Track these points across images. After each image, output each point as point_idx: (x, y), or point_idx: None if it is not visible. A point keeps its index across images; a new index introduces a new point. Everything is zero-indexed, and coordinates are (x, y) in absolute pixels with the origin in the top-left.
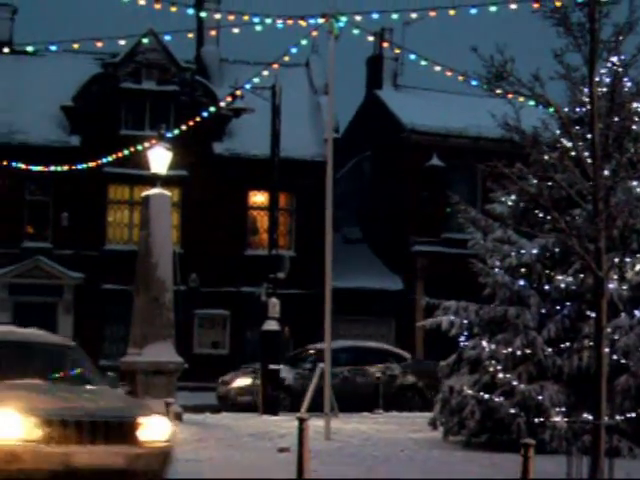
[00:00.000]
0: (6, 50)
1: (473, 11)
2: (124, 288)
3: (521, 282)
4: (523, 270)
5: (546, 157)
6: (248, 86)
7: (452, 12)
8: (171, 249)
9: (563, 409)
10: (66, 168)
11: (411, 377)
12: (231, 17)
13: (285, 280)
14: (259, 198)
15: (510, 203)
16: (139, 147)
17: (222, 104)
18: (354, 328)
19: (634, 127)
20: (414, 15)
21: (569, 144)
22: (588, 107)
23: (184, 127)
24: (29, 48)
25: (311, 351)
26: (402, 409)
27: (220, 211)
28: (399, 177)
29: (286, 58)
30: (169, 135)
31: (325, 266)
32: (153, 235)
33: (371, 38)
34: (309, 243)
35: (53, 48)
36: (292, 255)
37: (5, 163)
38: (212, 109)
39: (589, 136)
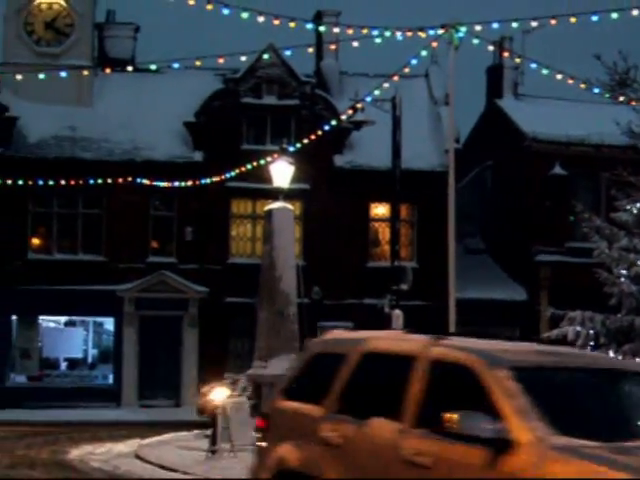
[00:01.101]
0: (129, 68)
1: (594, 18)
2: (248, 301)
3: None
4: None
5: None
6: (368, 98)
7: (573, 20)
8: (294, 262)
9: None
10: (190, 183)
11: None
12: (350, 31)
13: (408, 291)
14: (380, 210)
15: (635, 211)
16: (261, 161)
17: (343, 117)
18: None
19: None
20: (534, 23)
21: None
22: None
23: (305, 141)
24: (152, 66)
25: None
26: None
27: (342, 223)
28: (521, 186)
29: (406, 69)
30: (291, 149)
31: (448, 277)
32: (276, 249)
33: (491, 47)
34: (431, 254)
35: (176, 66)
36: (414, 266)
37: (130, 179)
38: (333, 122)
39: None
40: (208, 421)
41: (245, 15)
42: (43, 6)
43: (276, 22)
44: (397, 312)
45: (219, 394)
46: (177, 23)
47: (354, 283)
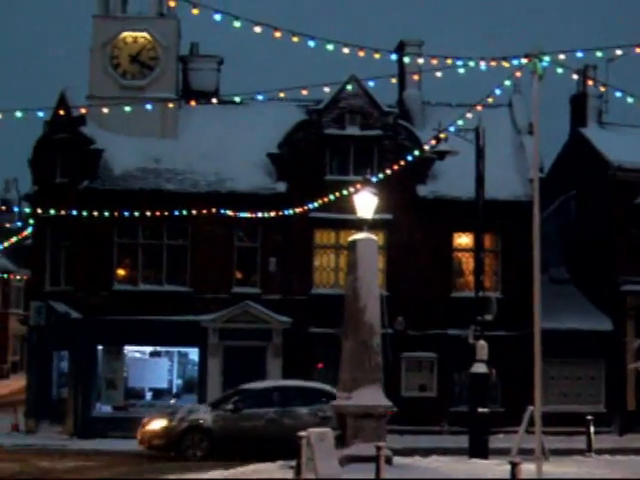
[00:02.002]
0: (214, 101)
1: None
2: (331, 331)
3: None
4: None
5: None
6: (452, 128)
7: None
8: (378, 293)
9: None
10: (273, 214)
11: None
12: (434, 61)
13: (492, 322)
14: (464, 240)
15: None
16: (344, 192)
17: (426, 147)
18: (563, 370)
19: None
20: (618, 52)
21: None
22: None
23: (388, 171)
24: (236, 98)
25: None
26: None
27: (425, 253)
28: (606, 215)
29: (489, 99)
30: (374, 179)
31: (533, 307)
32: (360, 279)
33: (575, 76)
34: (516, 284)
35: (259, 97)
36: (499, 296)
37: (214, 210)
38: (416, 152)
39: None
40: (146, 451)
41: (330, 47)
42: (128, 40)
43: (361, 53)
44: (482, 343)
45: (156, 424)
46: (261, 55)
47: (438, 313)
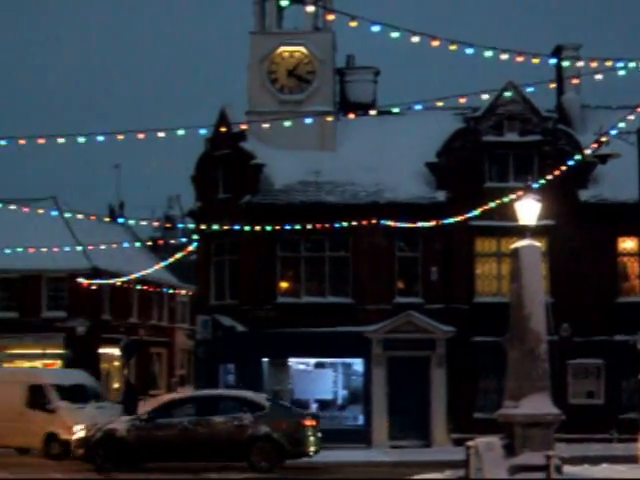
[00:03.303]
0: (372, 112)
1: None
2: (495, 340)
3: None
4: None
5: None
6: (613, 131)
7: None
8: (543, 300)
9: None
10: (433, 223)
11: (264, 427)
12: (593, 64)
13: None
14: (629, 244)
15: None
16: (505, 199)
17: (587, 151)
18: None
19: None
20: None
21: None
22: None
23: (550, 177)
24: (394, 109)
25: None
26: (252, 461)
27: (589, 259)
28: None
29: None
30: (535, 186)
31: None
32: (524, 287)
33: None
34: None
35: (418, 107)
36: None
37: (374, 221)
38: (578, 157)
39: None
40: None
41: (489, 54)
42: (285, 54)
43: (519, 59)
44: None
45: (78, 435)
46: (415, 66)
47: (603, 319)
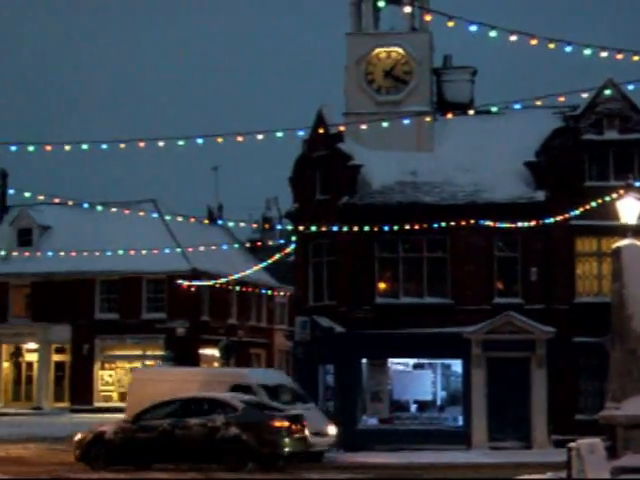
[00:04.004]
0: (470, 112)
1: None
2: (596, 340)
3: None
4: None
5: None
6: None
7: None
8: None
9: None
10: (533, 223)
11: (235, 429)
12: None
13: None
14: None
15: None
16: (605, 198)
17: None
18: None
19: None
20: None
21: None
22: None
23: None
24: (492, 108)
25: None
26: (222, 463)
27: None
28: None
29: None
30: (636, 184)
31: None
32: (626, 286)
33: None
34: None
35: (517, 106)
36: None
37: (473, 221)
38: None
39: None
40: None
41: (588, 52)
42: (382, 55)
43: (619, 57)
44: None
45: (77, 437)
46: (514, 63)
47: None
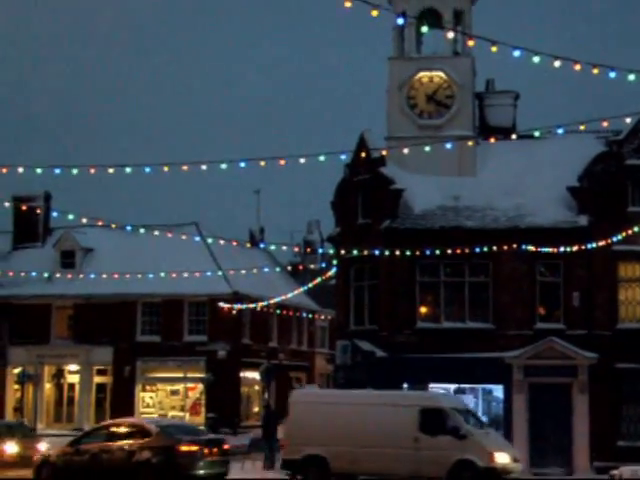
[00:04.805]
0: (513, 136)
1: None
2: (638, 367)
3: None
4: None
5: None
6: None
7: None
8: None
9: None
10: (575, 248)
11: (147, 453)
12: None
13: None
14: None
15: None
16: None
17: None
18: None
19: None
20: None
21: None
22: None
23: None
24: (535, 133)
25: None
26: None
27: None
28: None
29: None
30: None
31: None
32: None
33: None
34: None
35: (559, 131)
36: None
37: (515, 246)
38: None
39: None
40: None
41: (632, 77)
42: (424, 79)
43: None
44: None
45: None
46: (557, 88)
47: None
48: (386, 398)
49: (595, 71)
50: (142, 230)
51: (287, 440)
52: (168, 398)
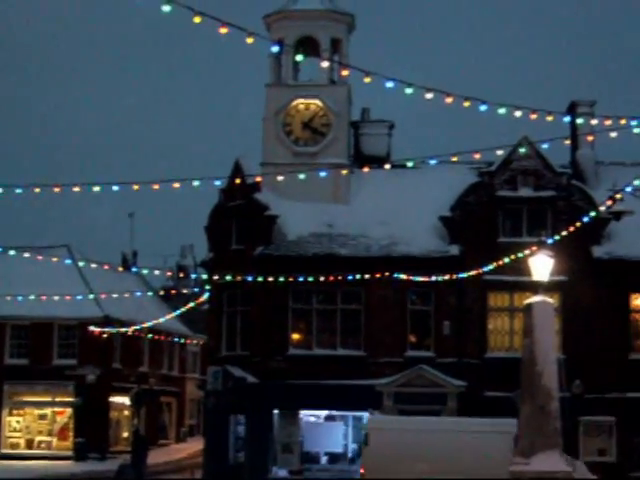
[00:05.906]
0: (387, 166)
1: None
2: (506, 395)
3: None
4: None
5: None
6: (628, 188)
7: None
8: (555, 356)
9: None
10: (447, 277)
11: None
12: (608, 122)
13: None
14: None
15: None
16: (518, 254)
17: (602, 208)
18: None
19: None
20: None
21: None
22: None
23: (564, 232)
24: (408, 163)
25: None
26: None
27: (601, 315)
28: None
29: None
30: (549, 241)
31: None
32: (537, 343)
33: None
34: None
35: (432, 162)
36: None
37: (387, 274)
38: (592, 213)
39: None
40: None
41: (502, 111)
42: (300, 107)
43: (533, 116)
44: None
45: None
46: (430, 119)
47: (616, 376)
48: (477, 425)
49: (466, 104)
50: (12, 252)
51: (369, 467)
52: (36, 422)
